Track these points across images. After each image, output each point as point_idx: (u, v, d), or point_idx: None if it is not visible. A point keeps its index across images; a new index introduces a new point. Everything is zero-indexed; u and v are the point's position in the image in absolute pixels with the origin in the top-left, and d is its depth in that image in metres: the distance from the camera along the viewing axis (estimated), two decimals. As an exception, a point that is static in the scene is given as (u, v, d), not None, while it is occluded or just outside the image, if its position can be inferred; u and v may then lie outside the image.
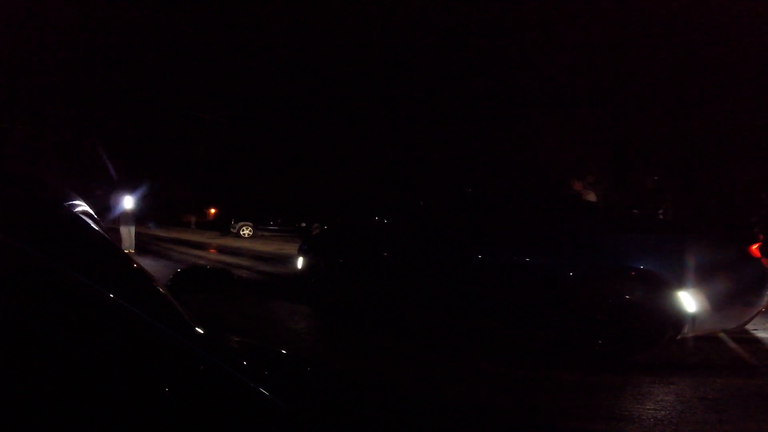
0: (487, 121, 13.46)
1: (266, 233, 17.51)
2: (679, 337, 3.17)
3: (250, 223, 17.65)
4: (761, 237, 3.66)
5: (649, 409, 2.39)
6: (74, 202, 0.90)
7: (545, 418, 2.29)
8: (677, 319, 3.10)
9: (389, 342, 3.70)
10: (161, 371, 0.59)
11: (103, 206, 8.38)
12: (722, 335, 3.67)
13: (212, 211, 23.12)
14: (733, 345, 3.57)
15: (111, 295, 0.60)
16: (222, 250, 11.96)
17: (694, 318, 3.08)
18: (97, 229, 0.86)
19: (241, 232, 17.37)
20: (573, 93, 12.11)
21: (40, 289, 0.58)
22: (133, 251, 8.67)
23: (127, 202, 8.72)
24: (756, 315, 3.38)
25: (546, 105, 12.28)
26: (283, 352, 1.22)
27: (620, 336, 3.21)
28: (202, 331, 0.75)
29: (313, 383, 1.01)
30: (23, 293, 0.57)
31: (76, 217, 0.84)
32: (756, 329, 3.93)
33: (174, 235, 15.82)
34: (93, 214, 0.93)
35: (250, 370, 0.78)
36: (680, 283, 3.11)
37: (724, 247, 3.48)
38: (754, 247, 3.40)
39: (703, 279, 3.12)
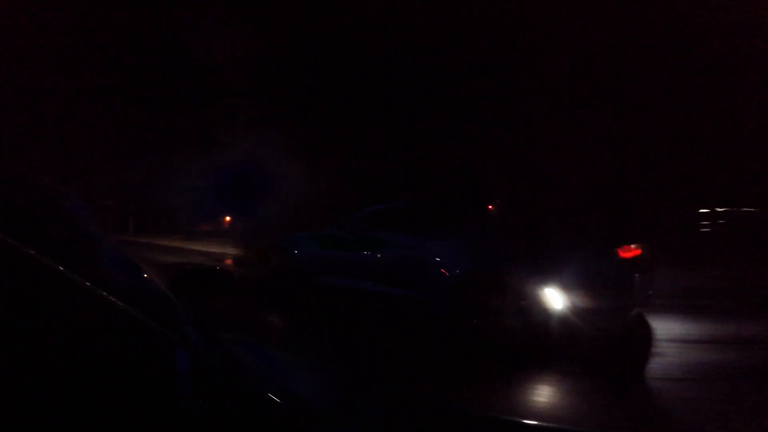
0: (486, 120, 13.43)
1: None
2: (552, 334, 3.24)
3: None
4: (634, 241, 3.61)
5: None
6: (75, 203, 0.90)
7: (545, 418, 2.29)
8: (546, 317, 3.23)
9: (389, 342, 3.70)
10: (160, 371, 0.60)
11: (115, 218, 7.19)
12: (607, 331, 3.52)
13: (227, 219, 20.55)
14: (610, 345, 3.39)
15: (110, 296, 0.60)
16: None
17: (566, 317, 3.18)
18: (96, 230, 0.86)
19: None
20: (573, 93, 12.10)
21: (39, 289, 0.58)
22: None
23: None
24: (629, 314, 3.50)
25: (546, 104, 12.27)
26: (283, 351, 1.23)
27: (500, 331, 3.42)
28: (201, 332, 0.75)
29: (312, 383, 1.01)
30: (23, 293, 0.57)
31: (76, 218, 0.85)
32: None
33: (200, 248, 12.26)
34: (93, 215, 0.93)
35: (250, 370, 0.78)
36: (551, 283, 3.26)
37: (593, 248, 3.55)
38: (624, 249, 3.46)
39: (572, 280, 3.26)
